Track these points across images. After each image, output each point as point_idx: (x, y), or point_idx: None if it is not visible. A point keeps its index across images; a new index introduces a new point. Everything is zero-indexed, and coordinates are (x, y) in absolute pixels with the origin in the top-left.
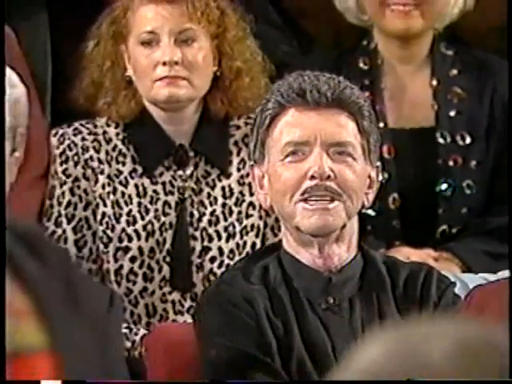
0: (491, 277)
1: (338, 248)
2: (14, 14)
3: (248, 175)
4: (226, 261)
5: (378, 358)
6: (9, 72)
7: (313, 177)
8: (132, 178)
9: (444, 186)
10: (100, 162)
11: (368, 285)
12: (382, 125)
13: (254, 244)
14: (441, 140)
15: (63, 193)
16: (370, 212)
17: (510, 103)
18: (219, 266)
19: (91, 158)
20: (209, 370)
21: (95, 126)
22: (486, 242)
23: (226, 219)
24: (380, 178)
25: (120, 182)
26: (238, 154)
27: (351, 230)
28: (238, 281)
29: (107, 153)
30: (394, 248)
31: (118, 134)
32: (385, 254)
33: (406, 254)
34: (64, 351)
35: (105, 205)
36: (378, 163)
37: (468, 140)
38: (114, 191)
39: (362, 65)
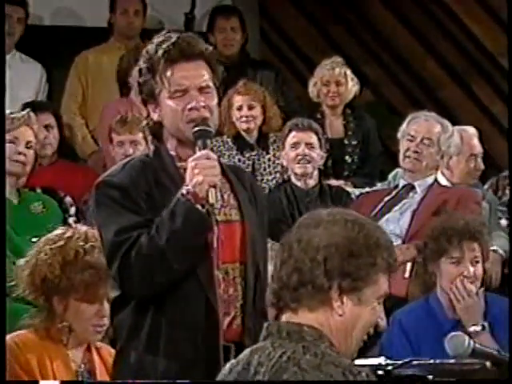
0: (364, 191)
1: (311, 180)
2: None
3: (278, 152)
4: (269, 183)
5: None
6: None
7: (300, 155)
8: (236, 155)
9: (347, 158)
10: (224, 150)
11: (322, 193)
12: (325, 136)
13: (279, 178)
14: (346, 142)
15: None
16: (322, 167)
17: (509, 103)
18: (265, 185)
19: (220, 150)
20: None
21: (222, 138)
22: (364, 178)
23: (269, 169)
24: (325, 155)
25: (231, 157)
26: (272, 145)
27: (316, 174)
28: (275, 192)
29: (226, 147)
30: (330, 180)
31: (230, 141)
32: (327, 182)
33: (334, 183)
34: (248, 222)
35: None
36: (325, 150)
37: (356, 142)
38: (229, 161)
39: (319, 116)
